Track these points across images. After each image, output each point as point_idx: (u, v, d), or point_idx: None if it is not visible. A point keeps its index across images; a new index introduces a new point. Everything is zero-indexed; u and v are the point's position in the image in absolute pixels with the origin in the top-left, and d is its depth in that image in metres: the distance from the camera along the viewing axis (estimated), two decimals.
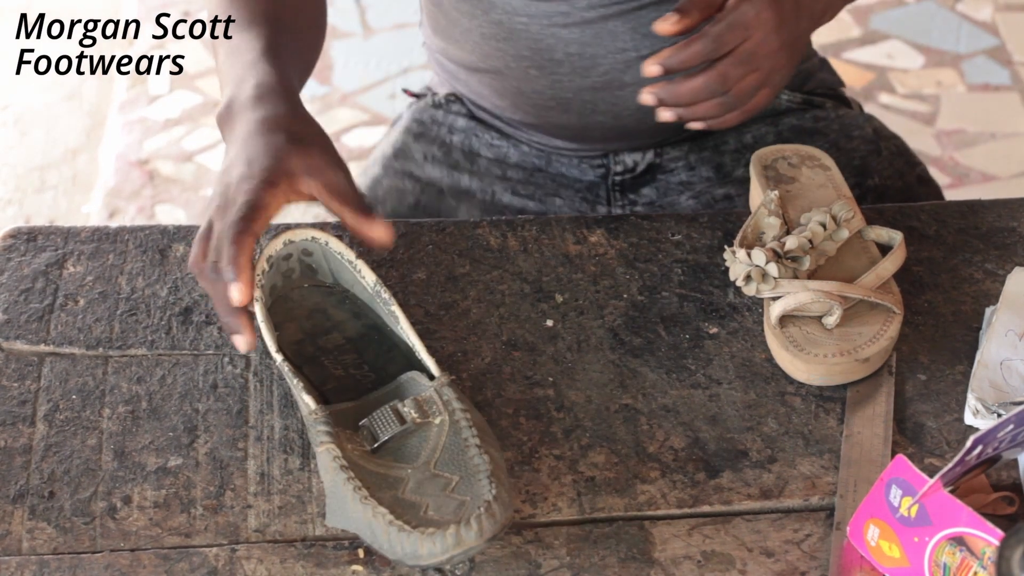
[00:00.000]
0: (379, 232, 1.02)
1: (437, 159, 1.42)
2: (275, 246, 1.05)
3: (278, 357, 1.01)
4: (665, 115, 1.10)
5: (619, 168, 1.39)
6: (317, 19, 1.24)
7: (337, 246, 1.06)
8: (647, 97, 1.09)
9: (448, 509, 0.93)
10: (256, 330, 1.02)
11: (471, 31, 1.34)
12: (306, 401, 0.98)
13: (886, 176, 1.38)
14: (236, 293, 0.98)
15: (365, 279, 1.05)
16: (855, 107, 1.47)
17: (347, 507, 0.95)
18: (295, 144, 1.03)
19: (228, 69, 1.12)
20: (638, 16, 1.28)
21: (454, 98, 1.44)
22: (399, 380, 1.01)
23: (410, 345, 1.03)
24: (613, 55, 1.30)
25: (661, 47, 1.29)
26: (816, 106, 1.41)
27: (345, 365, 1.06)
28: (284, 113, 1.05)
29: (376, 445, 0.97)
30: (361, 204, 1.02)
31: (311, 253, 1.08)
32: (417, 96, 1.49)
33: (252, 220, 0.99)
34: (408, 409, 0.98)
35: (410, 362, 1.03)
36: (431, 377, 1.00)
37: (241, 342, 1.01)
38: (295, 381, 1.00)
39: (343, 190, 1.02)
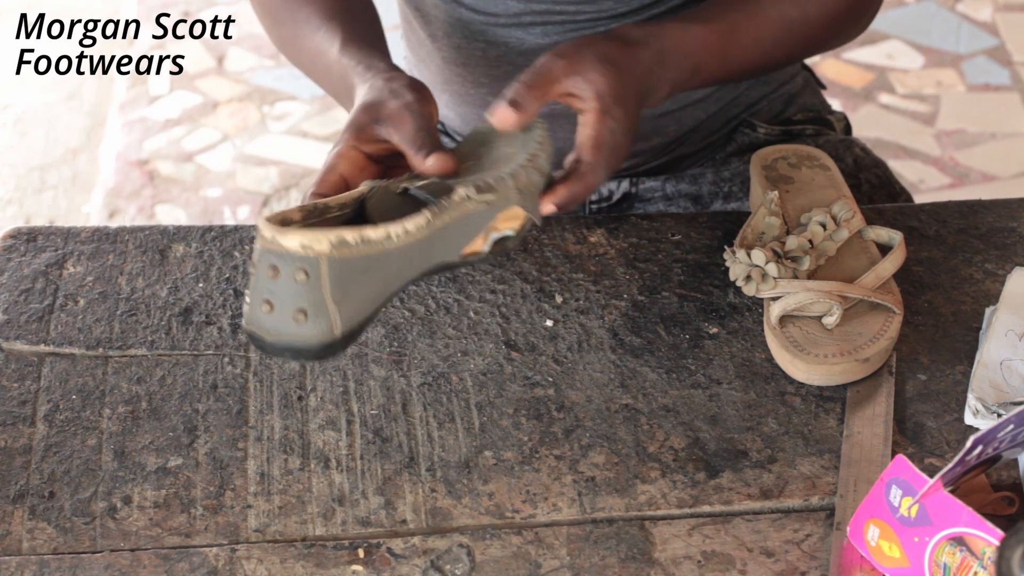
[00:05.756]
0: (432, 166, 1.03)
1: None
2: None
3: None
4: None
5: (594, 196, 1.38)
6: (373, 11, 1.30)
7: None
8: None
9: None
10: None
11: (433, 53, 1.35)
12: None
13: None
14: None
15: None
16: (839, 129, 1.45)
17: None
18: (365, 105, 1.07)
19: (326, 77, 1.20)
20: None
21: None
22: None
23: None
24: None
25: None
26: (795, 136, 1.39)
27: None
28: (369, 86, 1.10)
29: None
30: (418, 145, 1.03)
31: None
32: None
33: (317, 183, 1.04)
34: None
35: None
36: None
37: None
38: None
39: (403, 134, 1.04)
